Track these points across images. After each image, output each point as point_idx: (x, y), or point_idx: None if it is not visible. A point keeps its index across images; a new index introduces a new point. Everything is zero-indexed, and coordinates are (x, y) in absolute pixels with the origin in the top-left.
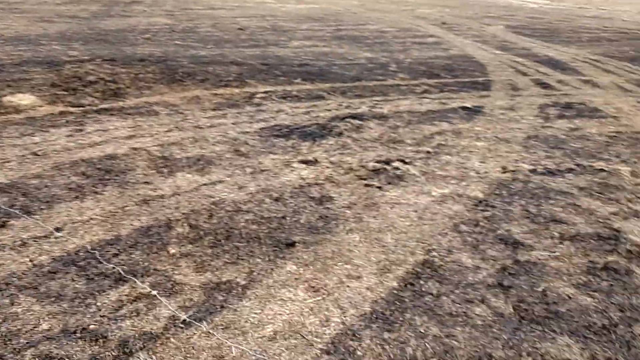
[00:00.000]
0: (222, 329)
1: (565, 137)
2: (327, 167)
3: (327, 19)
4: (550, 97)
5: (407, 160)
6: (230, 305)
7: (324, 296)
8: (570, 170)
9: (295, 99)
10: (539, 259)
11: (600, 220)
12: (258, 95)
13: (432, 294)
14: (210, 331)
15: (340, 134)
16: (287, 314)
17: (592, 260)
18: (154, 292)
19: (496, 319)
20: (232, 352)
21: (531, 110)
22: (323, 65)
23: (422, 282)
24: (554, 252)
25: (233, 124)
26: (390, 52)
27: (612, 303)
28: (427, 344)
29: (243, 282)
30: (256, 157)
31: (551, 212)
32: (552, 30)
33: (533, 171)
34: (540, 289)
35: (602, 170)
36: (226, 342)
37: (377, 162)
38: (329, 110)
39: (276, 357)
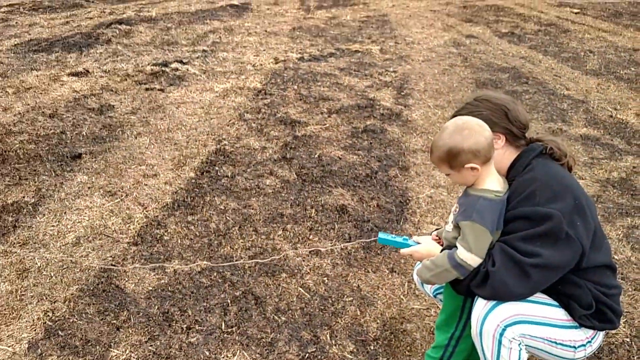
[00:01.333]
0: (20, 245)
1: (325, 25)
2: (101, 77)
3: None
4: None
5: (185, 61)
6: (23, 224)
7: (122, 197)
8: (331, 54)
9: (49, 10)
10: (313, 132)
11: (359, 94)
12: (1, 10)
13: (227, 176)
14: (8, 250)
15: (109, 41)
16: (87, 220)
17: (355, 126)
18: None
19: (283, 185)
20: (36, 263)
21: (293, 4)
22: None
23: (217, 168)
24: (325, 124)
25: None
26: None
27: (372, 157)
28: (228, 217)
29: (32, 201)
30: (16, 76)
31: (319, 92)
32: None
33: (301, 59)
34: (316, 156)
35: (357, 51)
36: (28, 256)
37: (155, 65)
38: (91, 18)
39: (84, 259)
